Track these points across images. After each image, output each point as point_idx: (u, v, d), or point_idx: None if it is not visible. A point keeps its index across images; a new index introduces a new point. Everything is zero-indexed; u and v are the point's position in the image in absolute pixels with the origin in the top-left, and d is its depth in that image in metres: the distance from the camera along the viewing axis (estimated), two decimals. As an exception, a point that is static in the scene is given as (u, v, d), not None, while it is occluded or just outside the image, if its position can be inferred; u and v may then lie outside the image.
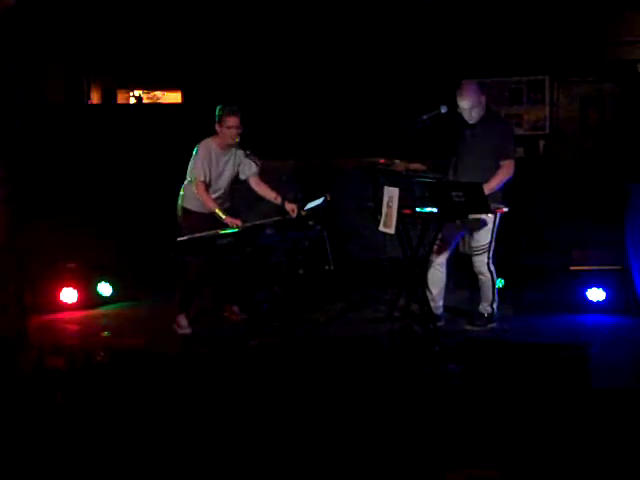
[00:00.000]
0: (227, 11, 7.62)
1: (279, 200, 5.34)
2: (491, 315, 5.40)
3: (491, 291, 5.36)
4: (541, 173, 7.30)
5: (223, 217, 5.26)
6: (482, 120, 5.23)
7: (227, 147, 5.42)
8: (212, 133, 5.44)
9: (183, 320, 5.51)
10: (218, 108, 5.36)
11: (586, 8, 7.35)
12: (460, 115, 5.23)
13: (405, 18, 7.50)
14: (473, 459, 3.31)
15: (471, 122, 5.24)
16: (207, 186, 5.35)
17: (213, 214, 5.29)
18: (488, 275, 5.31)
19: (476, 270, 5.34)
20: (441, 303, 5.47)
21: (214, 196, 5.41)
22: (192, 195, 5.42)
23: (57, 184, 7.11)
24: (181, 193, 5.53)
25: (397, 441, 3.50)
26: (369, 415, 3.77)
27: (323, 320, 5.66)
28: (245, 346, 5.14)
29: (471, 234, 5.33)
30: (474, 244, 5.32)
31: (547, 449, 3.33)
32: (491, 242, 5.26)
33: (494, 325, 5.41)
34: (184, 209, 5.50)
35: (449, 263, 5.43)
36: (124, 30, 7.70)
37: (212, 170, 5.37)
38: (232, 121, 5.30)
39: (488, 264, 5.29)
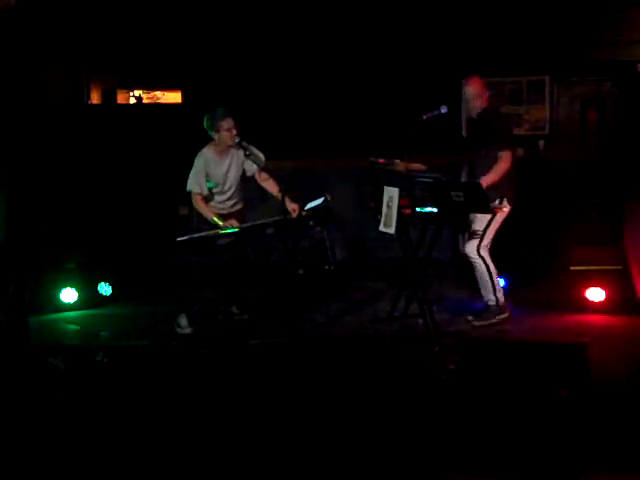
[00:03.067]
0: (227, 11, 7.63)
1: (280, 196, 5.33)
2: (496, 304, 5.40)
3: (489, 278, 5.36)
4: (541, 173, 7.30)
5: (221, 224, 5.29)
6: (481, 115, 5.36)
7: (227, 150, 5.43)
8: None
9: (183, 320, 5.52)
10: (206, 118, 5.37)
11: (586, 8, 7.35)
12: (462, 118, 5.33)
13: (405, 18, 7.50)
14: (474, 460, 3.32)
15: (473, 115, 5.38)
16: (203, 196, 5.40)
17: (220, 216, 5.35)
18: (479, 260, 5.32)
19: (469, 256, 5.35)
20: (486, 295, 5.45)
21: (225, 197, 5.49)
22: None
23: (57, 184, 7.11)
24: None
25: (398, 441, 3.50)
26: (369, 415, 3.77)
27: (323, 320, 5.65)
28: (245, 346, 5.14)
29: (472, 219, 5.37)
30: (471, 229, 5.36)
31: (548, 449, 3.33)
32: (486, 230, 5.29)
33: (502, 317, 5.40)
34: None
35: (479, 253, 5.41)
36: (124, 30, 7.70)
37: (215, 177, 5.40)
38: (227, 123, 5.32)
39: (478, 248, 5.31)
